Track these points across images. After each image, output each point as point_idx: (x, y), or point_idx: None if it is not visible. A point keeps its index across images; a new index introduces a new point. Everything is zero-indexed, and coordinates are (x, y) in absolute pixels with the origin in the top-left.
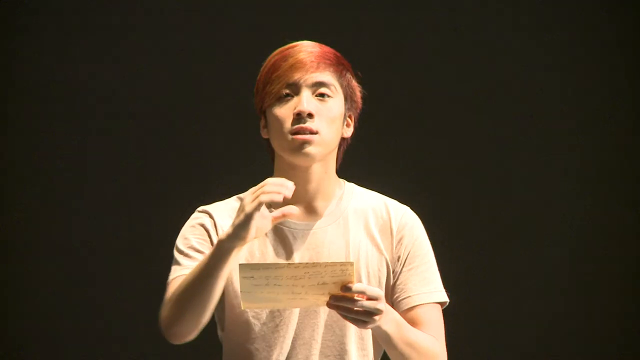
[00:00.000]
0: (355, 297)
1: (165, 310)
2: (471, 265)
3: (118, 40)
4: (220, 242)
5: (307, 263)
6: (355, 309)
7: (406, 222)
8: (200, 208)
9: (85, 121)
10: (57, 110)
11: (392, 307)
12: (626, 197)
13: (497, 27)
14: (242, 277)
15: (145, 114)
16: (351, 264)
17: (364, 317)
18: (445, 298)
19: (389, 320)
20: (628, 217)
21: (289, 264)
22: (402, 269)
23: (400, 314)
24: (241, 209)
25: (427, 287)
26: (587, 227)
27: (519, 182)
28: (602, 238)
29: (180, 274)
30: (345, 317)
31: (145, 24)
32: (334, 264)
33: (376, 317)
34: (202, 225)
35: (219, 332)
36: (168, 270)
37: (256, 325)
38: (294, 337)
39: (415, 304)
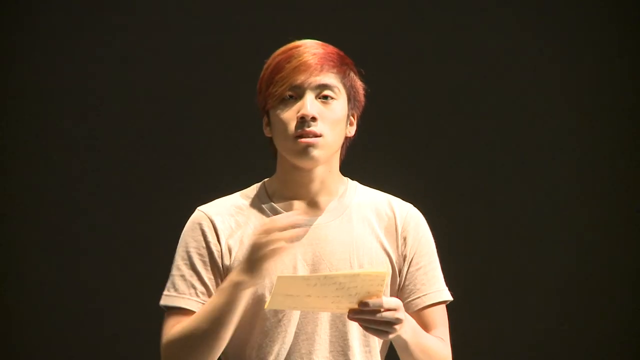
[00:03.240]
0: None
1: (174, 354)
2: (473, 265)
3: (118, 40)
4: (233, 287)
5: (344, 275)
6: (375, 319)
7: (410, 219)
8: (200, 209)
9: (85, 121)
10: (57, 110)
11: None
12: (628, 197)
13: (499, 26)
14: (278, 286)
15: (145, 114)
16: (384, 274)
17: (384, 328)
18: (450, 296)
19: (408, 328)
20: (630, 217)
21: (325, 276)
22: (409, 269)
23: (411, 315)
24: (252, 257)
25: (435, 286)
26: (589, 228)
27: (521, 183)
28: (605, 239)
29: (178, 305)
30: (367, 329)
31: (145, 23)
32: (368, 274)
33: (396, 327)
34: (202, 233)
35: None
36: (167, 271)
37: (258, 320)
38: (296, 332)
39: (425, 305)
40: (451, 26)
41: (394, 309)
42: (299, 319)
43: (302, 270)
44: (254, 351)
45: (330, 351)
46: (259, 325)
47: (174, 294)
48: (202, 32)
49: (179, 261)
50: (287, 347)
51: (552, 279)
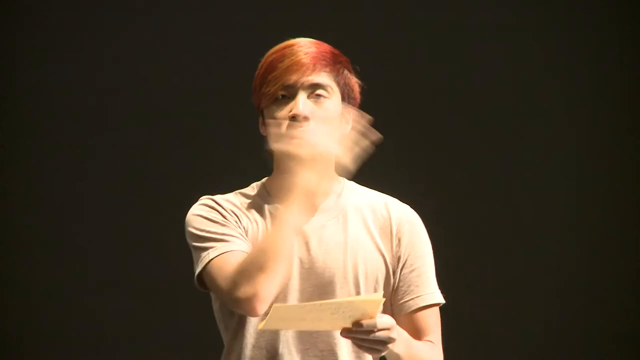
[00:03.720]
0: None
1: (242, 282)
2: (472, 266)
3: (119, 40)
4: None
5: (340, 302)
6: (369, 338)
7: (406, 220)
8: (203, 197)
9: (86, 121)
10: (58, 110)
11: (394, 308)
12: (626, 198)
13: (499, 26)
14: (272, 314)
15: (145, 114)
16: (379, 300)
17: (377, 346)
18: (442, 299)
19: (400, 343)
20: (630, 217)
21: (321, 303)
22: (402, 270)
23: (403, 317)
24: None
25: (429, 288)
26: (589, 228)
27: (521, 183)
28: (605, 239)
29: (222, 251)
30: (360, 347)
31: (145, 23)
32: (364, 301)
33: (390, 345)
34: (211, 207)
35: (223, 333)
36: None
37: (252, 321)
38: (289, 332)
39: (418, 306)
40: (451, 26)
41: (387, 329)
42: None
43: (297, 271)
44: (246, 351)
45: (322, 350)
46: (252, 325)
47: (212, 250)
48: (202, 32)
49: (203, 227)
50: (280, 346)
51: (552, 279)
